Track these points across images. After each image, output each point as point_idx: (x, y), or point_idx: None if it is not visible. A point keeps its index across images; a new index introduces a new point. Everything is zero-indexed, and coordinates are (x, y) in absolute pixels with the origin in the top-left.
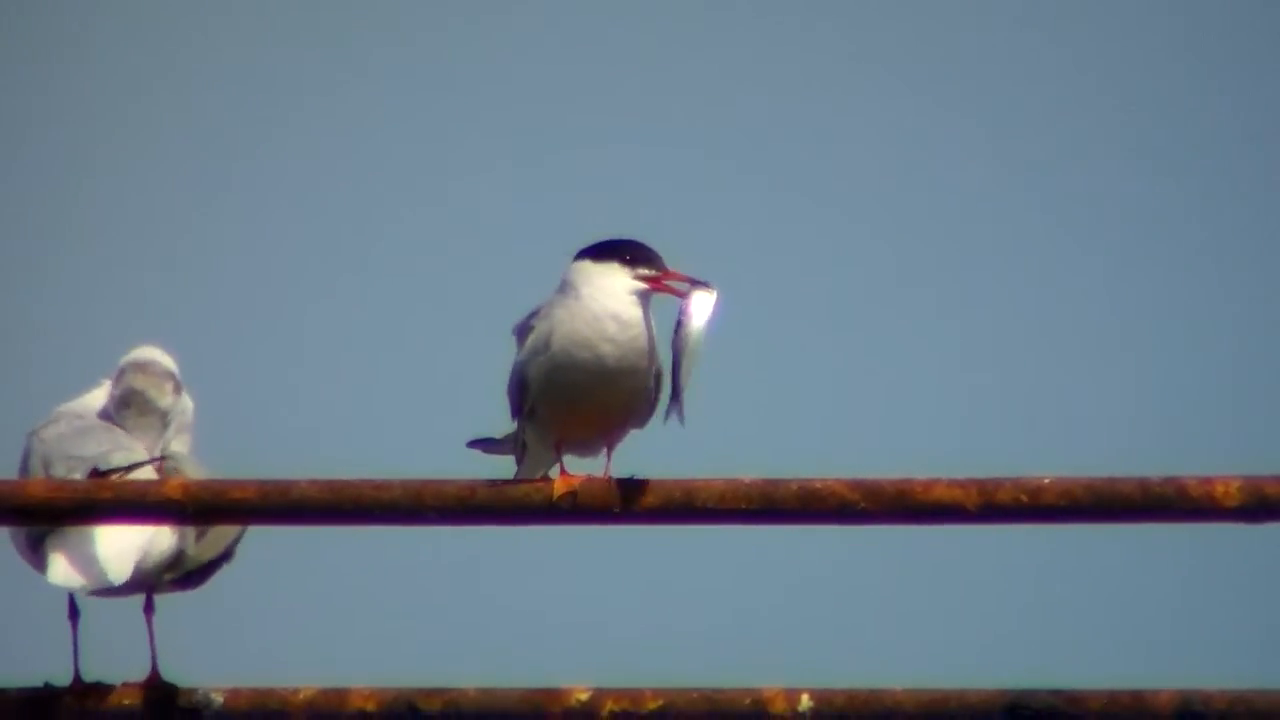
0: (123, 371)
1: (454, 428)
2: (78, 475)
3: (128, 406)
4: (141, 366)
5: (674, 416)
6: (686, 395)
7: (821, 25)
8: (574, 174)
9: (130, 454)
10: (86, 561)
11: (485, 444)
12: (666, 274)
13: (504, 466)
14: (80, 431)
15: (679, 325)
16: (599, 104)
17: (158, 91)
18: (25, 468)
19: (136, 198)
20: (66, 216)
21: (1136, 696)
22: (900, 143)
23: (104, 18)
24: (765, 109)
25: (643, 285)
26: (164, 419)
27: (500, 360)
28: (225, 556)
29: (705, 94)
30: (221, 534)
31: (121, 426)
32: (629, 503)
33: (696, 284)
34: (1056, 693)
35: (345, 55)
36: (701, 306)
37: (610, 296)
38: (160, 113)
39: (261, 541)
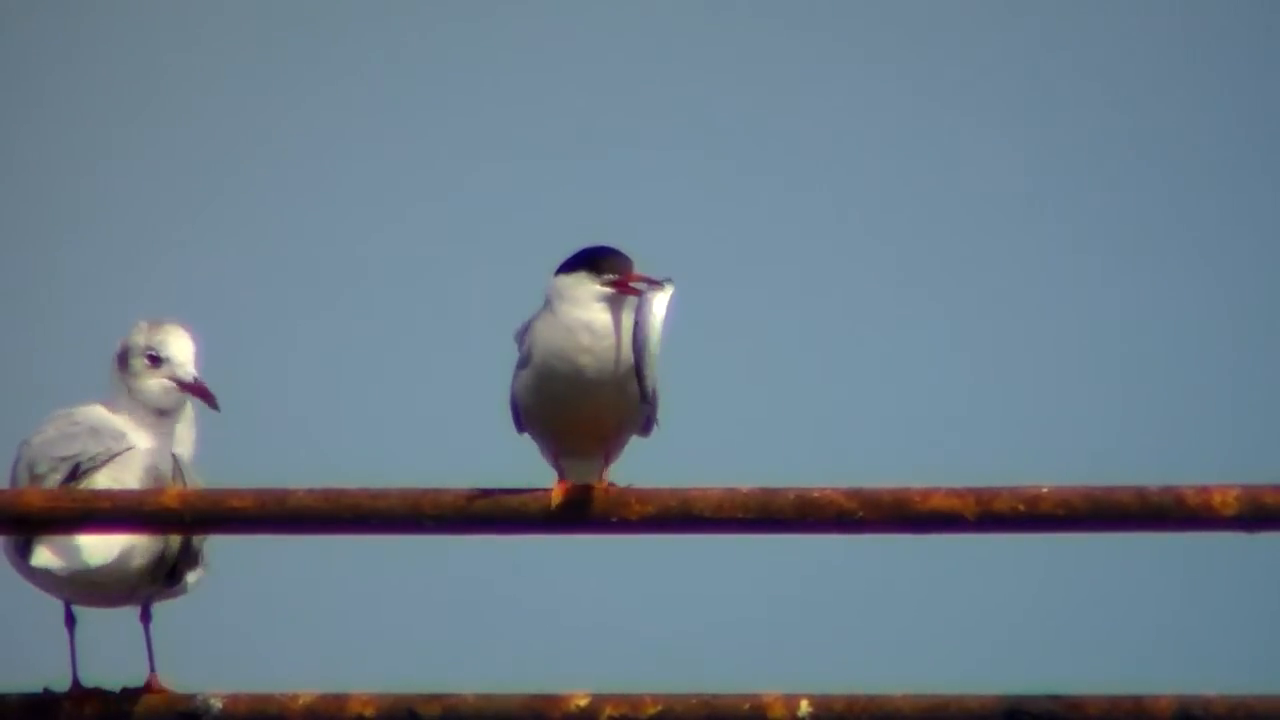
0: (147, 329)
1: (452, 435)
2: (58, 476)
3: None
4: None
5: (650, 421)
6: (660, 398)
7: (818, 25)
8: (571, 176)
9: (112, 448)
10: (69, 548)
11: None
12: (630, 276)
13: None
14: (66, 435)
15: (636, 325)
16: (601, 105)
17: (154, 94)
18: (14, 476)
19: (131, 205)
20: (61, 221)
21: (1136, 702)
22: (900, 147)
23: (103, 17)
24: (767, 114)
25: (609, 290)
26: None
27: (500, 366)
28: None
29: (710, 97)
30: None
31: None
32: (626, 512)
33: (653, 283)
34: (1056, 698)
35: (347, 59)
36: (657, 305)
37: (580, 306)
38: (156, 116)
39: (260, 547)
